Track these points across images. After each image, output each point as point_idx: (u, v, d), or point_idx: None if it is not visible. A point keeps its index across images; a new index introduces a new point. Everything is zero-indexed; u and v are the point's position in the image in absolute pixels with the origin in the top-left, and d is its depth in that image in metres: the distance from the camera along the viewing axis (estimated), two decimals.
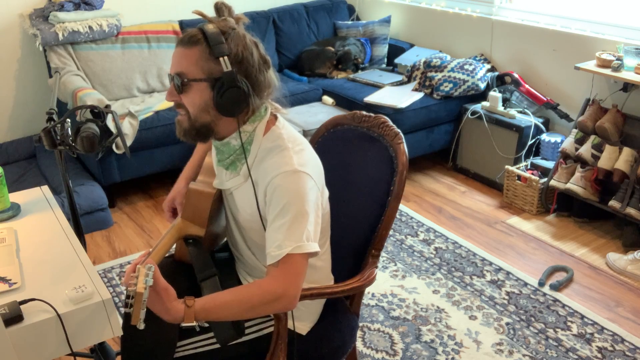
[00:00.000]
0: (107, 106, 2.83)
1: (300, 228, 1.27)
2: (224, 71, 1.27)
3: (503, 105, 3.42)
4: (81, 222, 1.83)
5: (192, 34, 1.30)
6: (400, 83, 3.75)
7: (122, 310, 2.38)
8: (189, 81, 1.30)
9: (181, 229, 1.48)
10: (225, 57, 1.26)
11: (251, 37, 1.34)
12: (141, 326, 1.14)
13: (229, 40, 1.28)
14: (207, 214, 1.45)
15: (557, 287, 2.57)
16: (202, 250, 1.47)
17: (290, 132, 1.41)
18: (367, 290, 2.50)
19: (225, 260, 1.64)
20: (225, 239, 1.69)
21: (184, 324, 1.22)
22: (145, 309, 1.13)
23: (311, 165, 1.36)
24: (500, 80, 3.52)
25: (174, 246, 1.53)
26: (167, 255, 1.54)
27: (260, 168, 1.35)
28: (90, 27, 3.42)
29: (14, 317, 1.24)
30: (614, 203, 2.82)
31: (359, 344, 2.25)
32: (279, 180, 1.29)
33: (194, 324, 1.22)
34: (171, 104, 3.26)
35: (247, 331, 1.47)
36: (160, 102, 3.41)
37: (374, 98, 3.50)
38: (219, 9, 1.35)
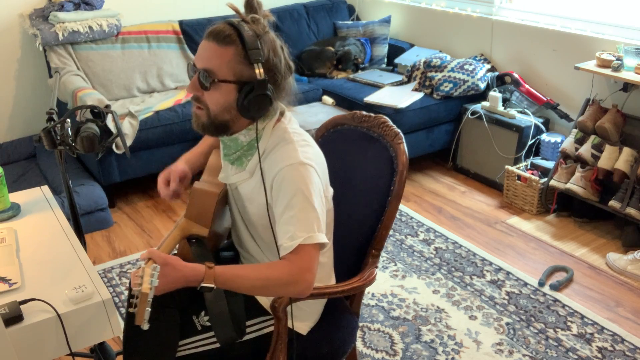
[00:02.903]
0: (107, 106, 2.84)
1: (310, 218, 1.29)
2: (255, 77, 1.25)
3: (503, 105, 3.42)
4: (81, 222, 1.83)
5: (227, 33, 1.26)
6: (400, 83, 3.75)
7: (123, 310, 2.38)
8: (218, 81, 1.28)
9: (185, 229, 1.48)
10: (260, 64, 1.25)
11: (279, 41, 1.33)
12: (145, 326, 1.15)
13: (262, 45, 1.27)
14: (212, 214, 1.45)
15: (557, 287, 2.57)
16: (206, 250, 1.47)
17: (296, 127, 1.42)
18: (367, 290, 2.50)
19: (231, 259, 1.64)
20: (227, 240, 1.69)
21: (203, 284, 1.24)
22: (150, 309, 1.14)
23: (315, 159, 1.37)
24: (500, 80, 3.52)
25: (177, 246, 1.53)
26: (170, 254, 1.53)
27: (267, 162, 1.36)
28: (90, 27, 3.42)
29: (14, 317, 1.24)
30: (614, 203, 2.82)
31: (359, 344, 2.25)
32: (285, 173, 1.30)
33: (212, 285, 1.23)
34: (171, 104, 3.31)
35: (247, 331, 1.47)
36: (160, 102, 3.40)
37: (374, 98, 3.50)
38: (251, 5, 1.32)
